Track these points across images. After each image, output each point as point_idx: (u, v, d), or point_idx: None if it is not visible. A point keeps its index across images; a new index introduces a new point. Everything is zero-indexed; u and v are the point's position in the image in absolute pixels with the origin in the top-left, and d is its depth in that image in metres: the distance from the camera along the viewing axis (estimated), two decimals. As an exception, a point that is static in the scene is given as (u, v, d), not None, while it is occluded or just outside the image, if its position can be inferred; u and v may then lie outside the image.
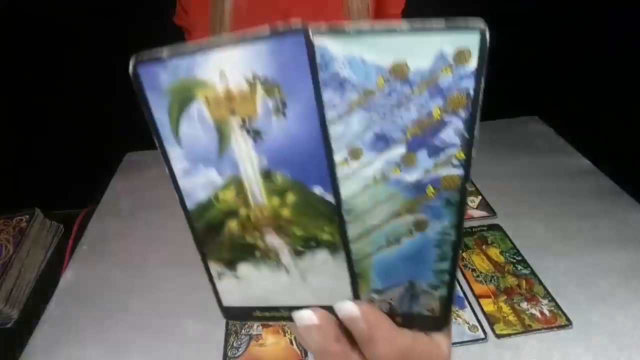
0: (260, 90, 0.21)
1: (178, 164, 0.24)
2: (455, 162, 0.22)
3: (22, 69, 1.10)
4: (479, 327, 0.54)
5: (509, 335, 0.53)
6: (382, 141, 0.22)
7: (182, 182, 0.25)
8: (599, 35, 1.12)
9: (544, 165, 0.84)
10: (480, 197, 0.76)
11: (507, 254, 0.64)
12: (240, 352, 0.52)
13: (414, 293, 0.25)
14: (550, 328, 0.54)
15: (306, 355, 0.52)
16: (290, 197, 0.24)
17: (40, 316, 0.61)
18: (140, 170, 0.88)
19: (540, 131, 0.95)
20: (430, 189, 0.22)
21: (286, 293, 0.26)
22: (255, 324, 0.55)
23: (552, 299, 0.57)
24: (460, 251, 0.24)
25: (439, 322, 0.26)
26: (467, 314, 0.56)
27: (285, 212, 0.24)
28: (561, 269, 0.62)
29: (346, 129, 0.22)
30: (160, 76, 0.22)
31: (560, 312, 0.56)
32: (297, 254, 0.25)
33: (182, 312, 0.59)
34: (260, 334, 0.54)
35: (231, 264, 0.27)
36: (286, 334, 0.54)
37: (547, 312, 0.56)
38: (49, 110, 1.13)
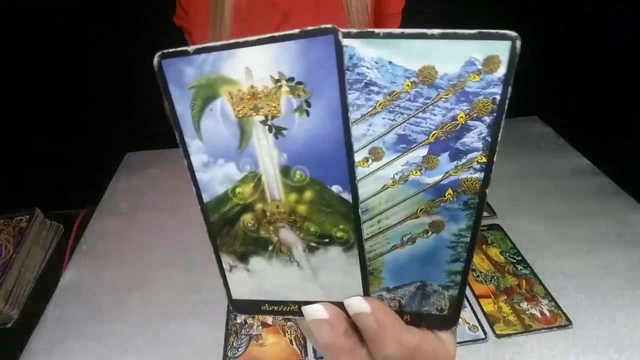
0: (285, 88, 0.22)
1: (197, 157, 0.24)
2: (476, 166, 0.22)
3: (22, 69, 1.10)
4: (479, 327, 0.54)
5: (509, 335, 0.53)
6: (405, 142, 0.22)
7: (200, 175, 0.25)
8: (599, 35, 1.13)
9: (544, 165, 0.84)
10: (480, 197, 0.76)
11: (507, 254, 0.64)
12: (240, 352, 0.52)
13: (424, 293, 0.26)
14: (550, 328, 0.54)
15: (306, 355, 0.52)
16: (308, 194, 0.24)
17: (40, 316, 0.60)
18: (140, 170, 0.88)
19: (540, 131, 0.95)
20: (449, 192, 0.23)
21: (297, 288, 0.27)
22: (256, 324, 0.55)
23: (552, 299, 0.57)
24: (474, 253, 0.24)
25: (448, 321, 0.26)
26: (467, 313, 0.56)
27: (302, 209, 0.24)
28: (561, 269, 0.62)
29: (369, 129, 0.22)
30: (185, 71, 0.22)
31: (560, 312, 0.56)
32: (310, 249, 0.25)
33: (182, 312, 0.59)
34: (260, 334, 0.54)
35: (243, 257, 0.27)
36: (286, 334, 0.54)
37: (547, 312, 0.56)
38: (49, 110, 1.13)
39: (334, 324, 0.25)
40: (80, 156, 1.07)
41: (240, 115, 0.23)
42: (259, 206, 0.25)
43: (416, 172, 0.23)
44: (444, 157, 0.22)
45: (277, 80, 0.21)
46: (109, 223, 0.76)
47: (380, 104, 0.22)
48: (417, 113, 0.21)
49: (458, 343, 0.53)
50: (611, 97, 1.13)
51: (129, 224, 0.75)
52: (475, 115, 0.21)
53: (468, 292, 0.59)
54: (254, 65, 0.21)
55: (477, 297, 0.58)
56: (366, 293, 0.25)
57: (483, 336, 0.53)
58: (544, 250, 0.65)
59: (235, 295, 0.28)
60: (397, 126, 0.22)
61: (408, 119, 0.22)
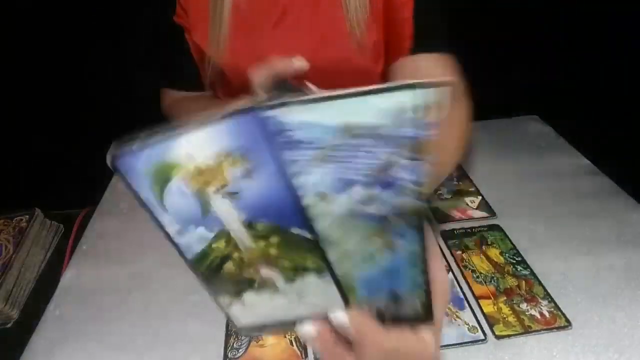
0: (226, 163, 0.25)
1: (170, 227, 0.28)
2: (409, 192, 0.25)
3: (22, 69, 1.10)
4: (478, 328, 0.54)
5: (508, 336, 0.53)
6: (344, 183, 0.26)
7: (178, 240, 0.29)
8: (599, 35, 1.12)
9: (544, 165, 0.84)
10: (480, 197, 0.76)
11: (507, 255, 0.64)
12: (241, 353, 0.52)
13: (396, 299, 0.30)
14: (550, 329, 0.54)
15: (306, 356, 0.52)
16: (274, 239, 0.28)
17: (40, 316, 0.61)
18: (140, 170, 0.88)
19: (540, 131, 0.95)
20: (392, 217, 0.27)
21: (288, 310, 0.31)
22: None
23: (552, 300, 0.57)
24: (428, 261, 0.28)
25: (424, 320, 0.30)
26: (466, 314, 0.56)
27: (273, 251, 0.29)
28: (561, 270, 0.62)
29: (310, 178, 0.26)
30: (136, 165, 0.26)
31: (559, 312, 0.56)
32: (290, 280, 0.30)
33: (182, 312, 0.59)
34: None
35: (237, 295, 0.31)
36: (286, 335, 0.54)
37: (546, 313, 0.56)
38: (49, 110, 1.13)
39: (323, 337, 0.30)
40: (80, 156, 1.07)
41: (195, 190, 0.26)
42: (235, 255, 0.29)
43: (360, 206, 0.26)
44: (379, 190, 0.26)
45: (218, 157, 0.25)
46: (109, 223, 0.76)
47: (314, 157, 0.25)
48: (348, 159, 0.25)
49: (458, 344, 0.53)
50: (611, 97, 1.13)
51: (129, 224, 0.75)
52: (399, 153, 0.24)
53: (468, 293, 0.59)
54: (195, 149, 0.25)
55: (476, 298, 0.58)
56: (346, 303, 0.30)
57: (483, 337, 0.53)
58: (544, 251, 0.65)
59: (239, 324, 0.33)
60: (333, 172, 0.25)
61: (341, 165, 0.25)
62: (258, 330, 0.33)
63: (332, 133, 0.24)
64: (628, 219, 0.70)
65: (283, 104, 0.24)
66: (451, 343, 0.53)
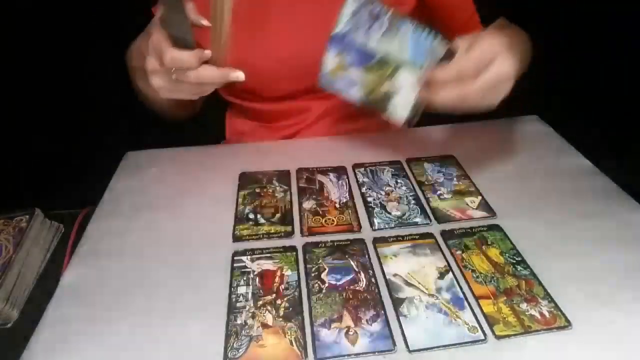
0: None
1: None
2: None
3: (23, 69, 1.10)
4: (478, 328, 0.54)
5: (508, 336, 0.53)
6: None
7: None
8: (599, 35, 1.13)
9: (544, 165, 0.84)
10: (480, 197, 0.76)
11: (507, 255, 0.64)
12: (241, 353, 0.52)
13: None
14: (550, 329, 0.54)
15: (306, 356, 0.52)
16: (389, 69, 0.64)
17: (40, 316, 0.60)
18: (140, 170, 0.87)
19: (540, 131, 0.95)
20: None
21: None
22: (256, 325, 0.55)
23: (552, 300, 0.57)
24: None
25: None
26: (466, 314, 0.56)
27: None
28: (561, 270, 0.62)
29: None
30: None
31: (559, 313, 0.56)
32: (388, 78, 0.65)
33: (182, 312, 0.59)
34: (261, 335, 0.54)
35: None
36: (286, 335, 0.54)
37: (546, 313, 0.56)
38: (49, 110, 1.13)
39: None
40: (80, 156, 1.07)
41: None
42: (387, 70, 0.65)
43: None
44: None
45: None
46: (109, 223, 0.76)
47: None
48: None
49: (457, 344, 0.53)
50: (611, 97, 1.13)
51: (129, 224, 0.75)
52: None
53: (468, 293, 0.59)
54: None
55: (476, 298, 0.58)
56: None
57: (483, 337, 0.53)
58: (544, 251, 0.65)
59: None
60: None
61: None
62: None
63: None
64: (628, 219, 0.70)
65: None
66: (451, 343, 0.53)
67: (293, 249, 0.67)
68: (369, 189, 0.79)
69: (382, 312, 0.57)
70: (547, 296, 0.58)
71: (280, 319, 0.56)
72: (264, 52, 0.84)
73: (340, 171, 0.84)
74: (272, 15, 0.84)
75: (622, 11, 1.07)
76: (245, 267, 0.64)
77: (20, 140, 1.10)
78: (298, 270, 0.63)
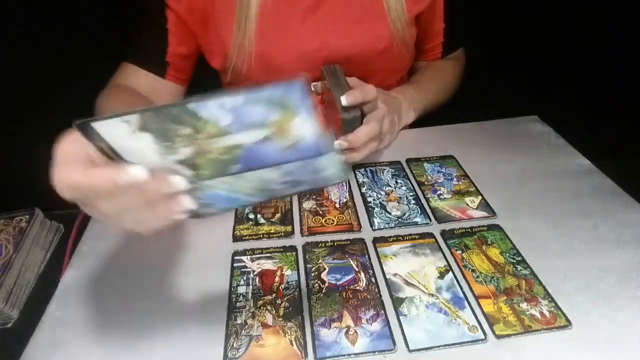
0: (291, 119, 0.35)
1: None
2: None
3: (23, 68, 1.10)
4: (478, 327, 0.54)
5: (508, 335, 0.53)
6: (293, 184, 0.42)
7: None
8: (599, 36, 1.13)
9: (544, 165, 0.84)
10: (480, 197, 0.76)
11: (507, 255, 0.64)
12: (241, 353, 0.52)
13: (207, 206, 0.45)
14: (550, 329, 0.54)
15: (306, 356, 0.52)
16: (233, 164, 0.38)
17: (40, 316, 0.60)
18: (140, 170, 0.87)
19: (540, 131, 0.95)
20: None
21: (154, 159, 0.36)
22: (256, 325, 0.55)
23: (552, 300, 0.57)
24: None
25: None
26: (467, 314, 0.56)
27: (211, 157, 0.36)
28: (561, 269, 0.62)
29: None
30: None
31: (560, 312, 0.56)
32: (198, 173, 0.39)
33: (182, 312, 0.59)
34: (261, 335, 0.54)
35: (144, 129, 0.33)
36: (286, 335, 0.54)
37: (546, 313, 0.56)
38: (49, 110, 1.13)
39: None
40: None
41: (274, 130, 0.35)
42: (202, 137, 0.35)
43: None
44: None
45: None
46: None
47: None
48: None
49: (458, 344, 0.53)
50: (611, 97, 1.13)
51: (129, 224, 0.74)
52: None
53: (468, 292, 0.59)
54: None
55: (476, 298, 0.58)
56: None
57: (483, 337, 0.53)
58: (544, 251, 0.65)
59: (97, 125, 0.34)
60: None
61: None
62: (96, 139, 0.35)
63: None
64: (628, 219, 0.70)
65: None
66: (451, 343, 0.53)
67: (293, 248, 0.67)
68: (369, 189, 0.79)
69: (382, 311, 0.57)
70: (547, 296, 0.58)
71: (280, 319, 0.56)
72: (288, 46, 0.84)
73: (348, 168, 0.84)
74: (298, 10, 0.84)
75: (622, 11, 1.07)
76: (245, 267, 0.64)
77: (20, 140, 1.10)
78: (298, 270, 0.63)
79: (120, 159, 0.37)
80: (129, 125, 0.33)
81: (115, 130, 0.34)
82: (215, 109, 0.31)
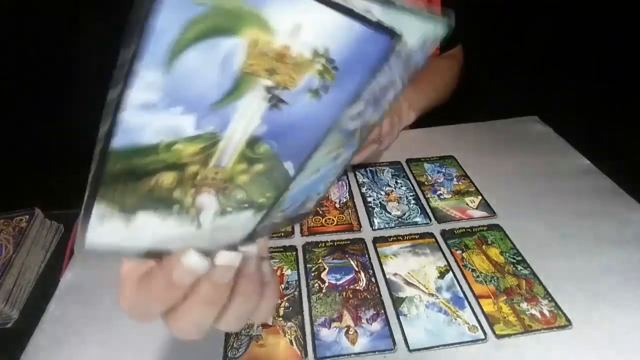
0: (318, 67, 0.18)
1: (142, 93, 0.17)
2: (381, 111, 0.24)
3: (23, 68, 1.10)
4: (478, 327, 0.54)
5: (508, 335, 0.53)
6: (354, 99, 0.22)
7: (127, 115, 0.17)
8: (599, 36, 1.13)
9: (544, 165, 0.84)
10: (480, 197, 0.76)
11: (507, 254, 0.64)
12: (241, 353, 0.52)
13: (304, 202, 0.29)
14: (550, 328, 0.54)
15: (306, 355, 0.52)
16: (259, 167, 0.22)
17: (40, 316, 0.60)
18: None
19: (540, 131, 0.95)
20: (357, 132, 0.24)
21: (182, 241, 0.24)
22: (256, 325, 0.55)
23: (552, 299, 0.57)
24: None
25: (310, 212, 0.30)
26: (466, 314, 0.56)
27: (243, 179, 0.22)
28: (561, 269, 0.62)
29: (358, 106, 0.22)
30: None
31: (560, 312, 0.56)
32: (223, 213, 0.23)
33: (182, 312, 0.58)
34: (260, 335, 0.54)
35: (130, 211, 0.22)
36: (286, 335, 0.54)
37: (547, 313, 0.56)
38: (49, 110, 1.13)
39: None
40: (81, 156, 1.07)
41: (247, 71, 0.18)
42: (192, 169, 0.21)
43: (347, 123, 0.23)
44: (369, 108, 0.23)
45: (317, 54, 0.18)
46: (109, 223, 0.76)
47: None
48: (373, 81, 0.21)
49: (458, 343, 0.53)
50: (611, 97, 1.13)
51: (129, 224, 0.74)
52: (404, 77, 0.22)
53: (468, 292, 0.59)
54: (307, 25, 0.17)
55: (477, 298, 0.58)
56: (251, 237, 0.27)
57: (483, 336, 0.53)
58: (544, 251, 0.65)
59: (91, 240, 0.23)
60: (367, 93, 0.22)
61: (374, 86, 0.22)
62: (105, 254, 0.24)
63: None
64: (628, 219, 0.70)
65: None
66: (451, 342, 0.53)
67: (293, 248, 0.67)
68: (369, 189, 0.79)
69: (382, 311, 0.57)
70: (548, 295, 0.58)
71: (280, 319, 0.56)
72: None
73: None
74: None
75: (622, 11, 1.07)
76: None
77: (20, 140, 1.10)
78: (298, 269, 0.63)
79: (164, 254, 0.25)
80: (101, 219, 0.21)
81: (108, 235, 0.22)
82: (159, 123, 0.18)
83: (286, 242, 0.69)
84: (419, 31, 0.19)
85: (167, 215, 0.22)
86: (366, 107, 0.22)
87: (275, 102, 0.19)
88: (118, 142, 0.18)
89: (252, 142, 0.20)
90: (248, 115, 0.19)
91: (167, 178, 0.20)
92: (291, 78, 0.18)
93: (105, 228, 0.22)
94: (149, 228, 0.23)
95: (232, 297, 0.26)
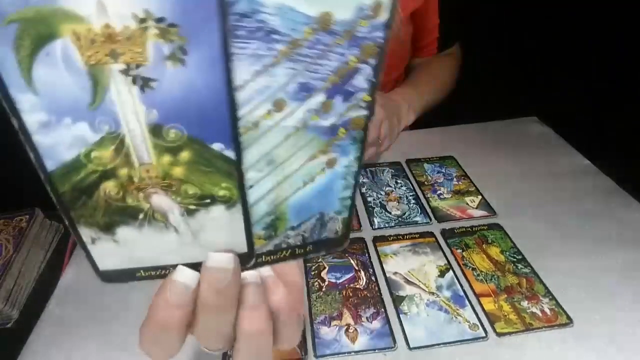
0: (153, 31, 0.17)
1: (33, 116, 0.19)
2: (362, 104, 0.23)
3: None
4: (479, 325, 0.54)
5: (509, 333, 0.53)
6: (305, 90, 0.22)
7: (39, 139, 0.19)
8: (599, 36, 1.13)
9: (544, 165, 0.84)
10: (480, 197, 0.76)
11: (507, 253, 0.64)
12: (241, 351, 0.52)
13: (322, 221, 0.28)
14: (551, 326, 0.54)
15: (306, 353, 0.52)
16: (185, 155, 0.21)
17: (40, 316, 0.60)
18: (141, 171, 0.87)
19: (540, 131, 0.95)
20: (341, 130, 0.24)
21: (174, 252, 0.25)
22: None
23: (553, 298, 0.57)
24: (360, 178, 0.27)
25: (341, 240, 0.29)
26: (467, 312, 0.56)
27: (178, 171, 0.22)
28: (561, 268, 0.62)
29: (271, 81, 0.21)
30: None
31: (561, 310, 0.56)
32: (189, 212, 0.24)
33: (182, 312, 0.58)
34: (261, 332, 0.54)
35: (108, 228, 0.23)
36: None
37: (547, 311, 0.56)
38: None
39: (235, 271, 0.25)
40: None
41: (92, 63, 0.18)
42: (123, 172, 0.21)
43: (315, 118, 0.23)
44: (337, 100, 0.22)
45: (143, 20, 0.17)
46: (109, 223, 0.76)
47: (282, 53, 0.20)
48: (316, 60, 0.21)
49: (458, 341, 0.52)
50: (611, 97, 1.13)
51: (129, 224, 0.74)
52: (363, 58, 0.21)
53: (468, 291, 0.59)
54: None
55: (477, 296, 0.58)
56: (250, 246, 0.26)
57: (484, 335, 0.53)
58: (544, 250, 0.65)
59: (103, 267, 0.26)
60: (298, 74, 0.21)
61: (308, 67, 0.21)
62: (127, 277, 0.27)
63: (309, 24, 0.19)
64: (628, 219, 0.70)
65: None
66: (452, 340, 0.53)
67: (293, 248, 0.66)
68: (369, 189, 0.79)
69: (382, 310, 0.57)
70: (548, 294, 0.58)
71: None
72: None
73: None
74: None
75: (622, 11, 1.07)
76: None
77: (20, 140, 1.10)
78: (298, 269, 0.63)
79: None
80: (94, 242, 0.24)
81: (111, 255, 0.25)
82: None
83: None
84: (347, 1, 0.19)
85: (140, 225, 0.23)
86: (329, 98, 0.22)
87: (141, 82, 0.19)
88: (50, 165, 0.20)
89: (156, 130, 0.20)
90: (129, 105, 0.19)
91: (109, 186, 0.22)
92: (136, 53, 0.18)
93: (104, 249, 0.24)
94: (136, 242, 0.24)
95: (199, 309, 0.26)
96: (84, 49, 0.17)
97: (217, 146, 0.21)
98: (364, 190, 0.79)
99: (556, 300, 0.57)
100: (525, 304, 0.57)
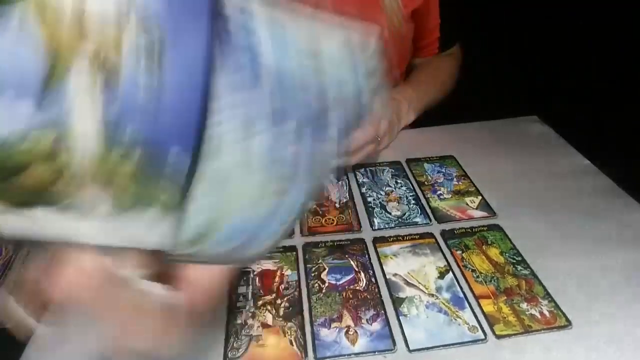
0: (132, 21, 0.16)
1: None
2: (331, 146, 0.22)
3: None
4: (478, 327, 0.54)
5: (508, 335, 0.53)
6: (280, 116, 0.20)
7: None
8: (599, 36, 1.13)
9: (544, 165, 0.84)
10: (480, 197, 0.76)
11: (507, 255, 0.64)
12: (241, 353, 0.52)
13: (251, 243, 0.26)
14: (550, 328, 0.54)
15: (306, 355, 0.52)
16: (135, 155, 0.19)
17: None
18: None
19: (540, 131, 0.95)
20: (304, 167, 0.22)
21: (90, 237, 0.23)
22: (256, 325, 0.55)
23: (552, 300, 0.57)
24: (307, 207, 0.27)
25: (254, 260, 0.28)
26: (467, 314, 0.56)
27: (125, 169, 0.20)
28: (561, 269, 0.62)
29: (242, 98, 0.19)
30: None
31: (560, 312, 0.56)
32: (123, 210, 0.21)
33: (182, 313, 0.58)
34: (261, 335, 0.54)
35: (22, 205, 0.21)
36: (286, 335, 0.54)
37: (547, 313, 0.56)
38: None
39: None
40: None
41: (53, 40, 0.16)
42: (62, 159, 0.19)
43: (282, 146, 0.21)
44: (309, 133, 0.21)
45: (124, 7, 0.16)
46: (109, 223, 0.76)
47: (265, 75, 0.19)
48: (295, 90, 0.20)
49: (458, 344, 0.53)
50: (611, 97, 1.13)
51: (129, 224, 0.74)
52: (340, 98, 0.21)
53: (468, 292, 0.59)
54: None
55: (476, 298, 0.58)
56: (172, 248, 0.25)
57: (483, 337, 0.53)
58: (544, 250, 0.65)
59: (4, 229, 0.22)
60: (274, 100, 0.20)
61: (287, 95, 0.20)
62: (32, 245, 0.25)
63: (295, 54, 0.19)
64: (628, 219, 0.70)
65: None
66: (451, 342, 0.53)
67: (293, 248, 0.67)
68: (369, 189, 0.79)
69: (382, 311, 0.57)
70: (548, 296, 0.58)
71: (280, 319, 0.56)
72: None
73: (340, 172, 0.84)
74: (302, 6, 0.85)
75: (622, 11, 1.07)
76: (245, 266, 0.64)
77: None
78: (298, 269, 0.63)
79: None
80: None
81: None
82: None
83: (286, 242, 0.69)
84: (335, 35, 0.19)
85: (64, 209, 0.21)
86: (299, 131, 0.21)
87: (108, 73, 0.17)
88: None
89: (111, 125, 0.18)
90: (86, 95, 0.17)
91: (41, 171, 0.19)
92: (109, 41, 0.16)
93: (7, 220, 0.21)
94: (49, 223, 0.22)
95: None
96: (46, 22, 0.15)
97: (175, 150, 0.19)
98: (364, 190, 0.79)
99: (555, 302, 0.57)
100: (524, 306, 0.57)
